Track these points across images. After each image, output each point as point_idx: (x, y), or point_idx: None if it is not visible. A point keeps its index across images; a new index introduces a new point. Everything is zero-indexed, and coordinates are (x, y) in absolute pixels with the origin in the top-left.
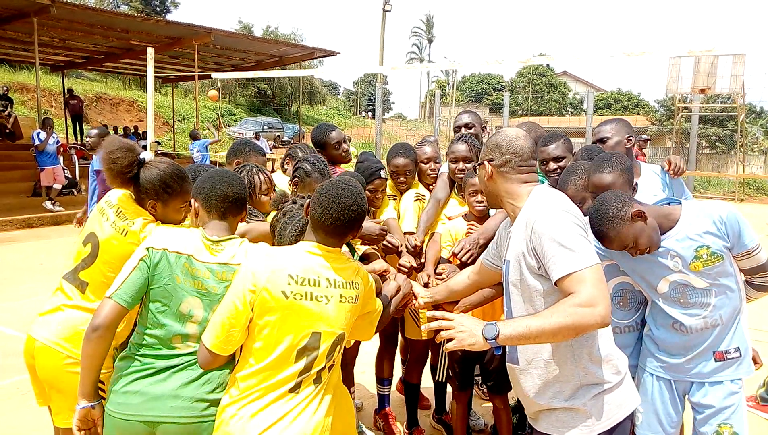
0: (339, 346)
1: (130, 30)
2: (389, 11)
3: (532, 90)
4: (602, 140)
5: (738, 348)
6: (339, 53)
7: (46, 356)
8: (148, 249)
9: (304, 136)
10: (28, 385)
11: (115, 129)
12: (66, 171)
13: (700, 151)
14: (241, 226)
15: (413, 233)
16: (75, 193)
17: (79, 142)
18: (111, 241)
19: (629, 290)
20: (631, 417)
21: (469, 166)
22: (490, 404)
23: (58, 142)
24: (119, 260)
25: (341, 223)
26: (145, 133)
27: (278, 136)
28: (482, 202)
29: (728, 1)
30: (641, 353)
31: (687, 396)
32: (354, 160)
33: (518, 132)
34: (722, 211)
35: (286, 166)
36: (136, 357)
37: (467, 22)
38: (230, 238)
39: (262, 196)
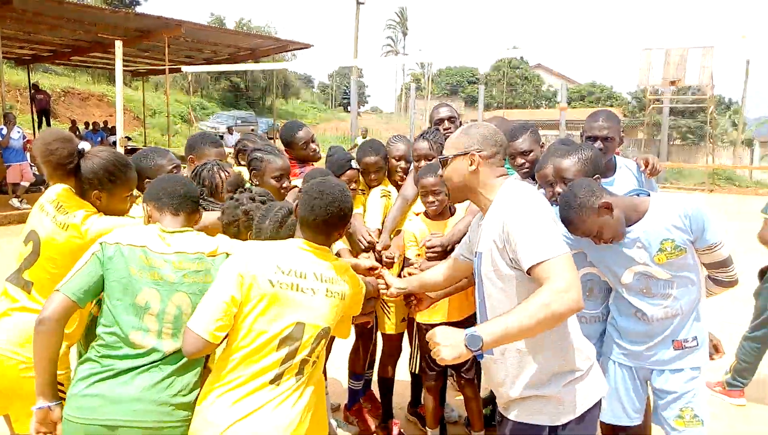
0: (323, 340)
1: (98, 23)
2: (363, 3)
3: (506, 83)
4: (606, 139)
5: (695, 337)
6: (313, 46)
7: (0, 364)
8: (101, 244)
9: (278, 131)
10: None
11: (86, 124)
12: (33, 168)
13: (672, 143)
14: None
15: (379, 231)
16: (42, 190)
17: None
18: (53, 237)
19: (596, 281)
20: (600, 404)
21: (431, 163)
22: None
23: (24, 137)
24: (63, 256)
25: (326, 221)
26: (114, 128)
27: (252, 129)
28: (434, 202)
29: None
30: (605, 341)
31: (649, 382)
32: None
33: (494, 126)
34: (688, 206)
35: (241, 161)
36: (96, 359)
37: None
38: (186, 230)
39: (226, 194)
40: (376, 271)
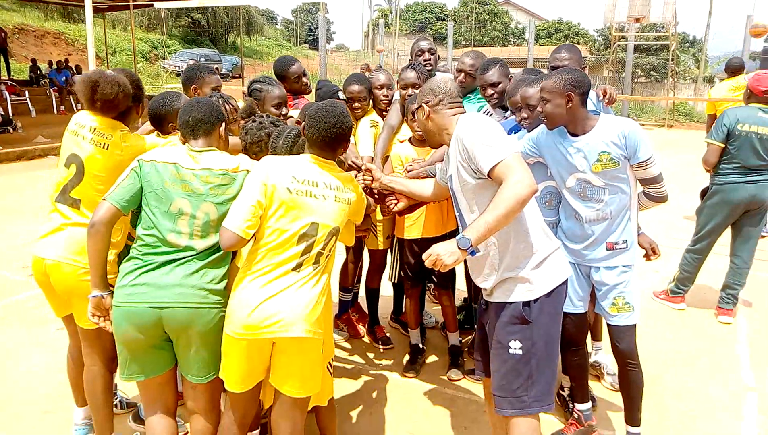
0: (334, 237)
1: None
2: None
3: (475, 19)
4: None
5: (625, 241)
6: None
7: (61, 271)
8: (139, 161)
9: (243, 68)
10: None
11: (50, 63)
12: None
13: (635, 80)
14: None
15: (372, 158)
16: (11, 131)
17: (7, 78)
18: (94, 156)
19: (554, 193)
20: (566, 284)
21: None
22: (440, 306)
23: None
24: (106, 172)
25: (329, 138)
26: (78, 67)
27: (216, 68)
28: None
29: None
30: None
31: (590, 277)
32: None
33: (445, 76)
34: (626, 126)
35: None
36: (139, 256)
37: None
38: (212, 150)
39: (231, 125)
40: (364, 168)
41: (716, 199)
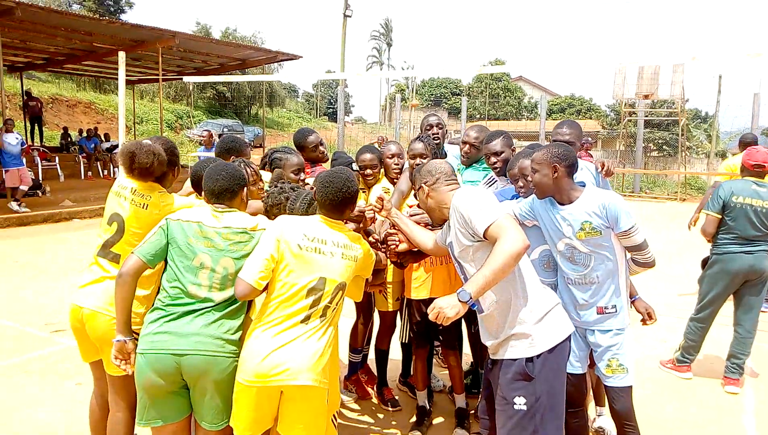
0: (341, 292)
1: (95, 32)
2: (350, 16)
3: (489, 94)
4: (567, 142)
5: (614, 306)
6: (301, 57)
7: (96, 320)
8: (166, 220)
9: (265, 138)
10: (23, 364)
11: (80, 131)
12: (31, 172)
13: (648, 154)
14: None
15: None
16: (40, 194)
17: (40, 144)
18: (134, 215)
19: (551, 257)
20: (569, 340)
21: (425, 162)
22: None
23: (23, 143)
24: (145, 229)
25: (336, 201)
26: (107, 135)
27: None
28: None
29: (680, 10)
30: None
31: (586, 338)
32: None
33: (440, 160)
34: (606, 199)
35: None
36: (162, 307)
37: (426, 27)
38: (232, 211)
39: (251, 186)
40: (377, 197)
41: (716, 269)
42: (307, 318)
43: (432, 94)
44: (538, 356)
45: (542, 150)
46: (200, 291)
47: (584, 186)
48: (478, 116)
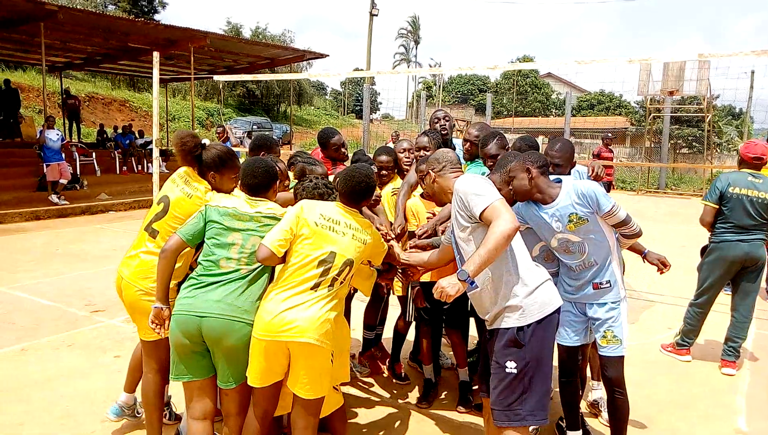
0: (348, 268)
1: (130, 33)
2: (376, 15)
3: (516, 91)
4: (555, 165)
5: (609, 281)
6: (328, 56)
7: (128, 289)
8: (206, 206)
9: (293, 135)
10: (66, 339)
11: (115, 128)
12: (70, 167)
13: (678, 151)
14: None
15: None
16: (78, 188)
17: (78, 141)
18: (180, 201)
19: (549, 250)
20: (559, 312)
21: (428, 154)
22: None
23: (63, 139)
24: (184, 216)
25: (354, 192)
26: (141, 132)
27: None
28: None
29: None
30: (557, 284)
31: (586, 314)
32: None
33: (446, 149)
34: (582, 187)
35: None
36: (195, 277)
37: (453, 23)
38: (264, 201)
39: (289, 179)
40: (390, 242)
41: (713, 256)
42: (317, 286)
43: (459, 91)
44: (528, 326)
45: (515, 159)
46: (230, 264)
47: (560, 182)
48: (505, 113)
